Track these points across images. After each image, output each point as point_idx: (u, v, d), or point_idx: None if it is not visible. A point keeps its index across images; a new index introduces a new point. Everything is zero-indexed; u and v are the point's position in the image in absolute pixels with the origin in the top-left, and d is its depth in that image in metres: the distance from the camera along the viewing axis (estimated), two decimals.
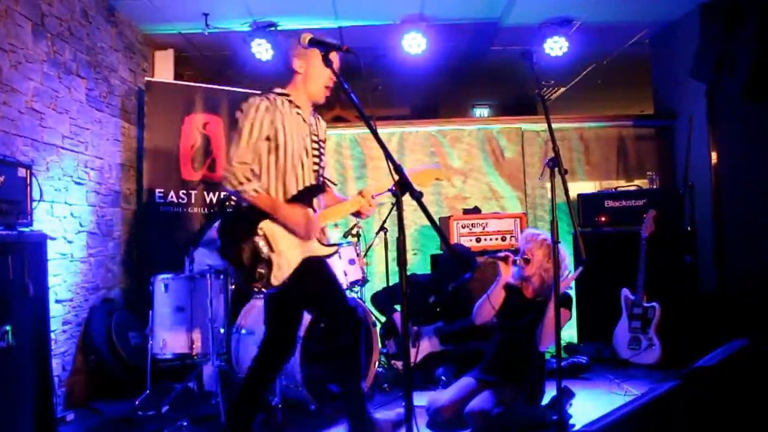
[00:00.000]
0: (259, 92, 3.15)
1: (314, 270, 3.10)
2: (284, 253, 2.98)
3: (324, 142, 3.35)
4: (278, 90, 3.20)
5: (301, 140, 3.14)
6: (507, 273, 3.74)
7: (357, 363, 3.23)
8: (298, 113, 3.17)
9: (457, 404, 3.58)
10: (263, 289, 3.09)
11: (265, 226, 2.97)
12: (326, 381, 4.18)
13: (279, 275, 2.95)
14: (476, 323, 3.89)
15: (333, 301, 3.15)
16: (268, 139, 3.04)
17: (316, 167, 3.22)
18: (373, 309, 5.01)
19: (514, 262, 3.74)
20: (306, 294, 3.13)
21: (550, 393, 3.68)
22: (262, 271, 2.92)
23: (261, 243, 2.94)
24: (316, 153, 3.24)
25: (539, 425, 3.53)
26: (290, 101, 3.17)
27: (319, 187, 3.24)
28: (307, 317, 4.08)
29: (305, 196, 3.14)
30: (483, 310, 3.81)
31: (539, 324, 3.63)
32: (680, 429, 1.97)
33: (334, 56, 3.05)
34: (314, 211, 3.15)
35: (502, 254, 3.76)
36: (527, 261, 3.73)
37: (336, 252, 3.27)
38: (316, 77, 3.18)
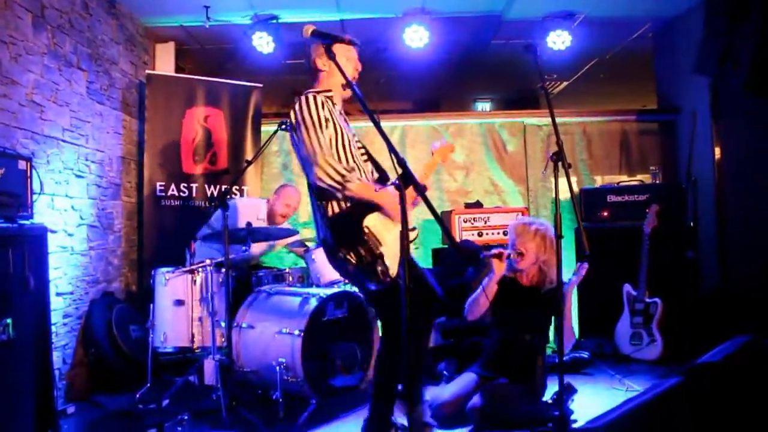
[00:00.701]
0: (310, 92, 3.15)
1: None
2: (390, 243, 3.00)
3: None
4: (316, 89, 3.21)
5: (350, 133, 3.20)
6: (500, 270, 3.68)
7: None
8: (339, 110, 3.22)
9: (459, 400, 3.57)
10: (389, 284, 3.03)
11: (368, 222, 2.97)
12: (327, 376, 4.17)
13: (394, 265, 2.98)
14: (468, 320, 3.85)
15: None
16: (334, 136, 3.07)
17: (364, 157, 3.28)
18: None
19: (508, 257, 3.69)
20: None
21: (551, 388, 3.68)
22: (382, 267, 2.93)
23: (372, 240, 2.95)
24: (360, 145, 3.30)
25: (541, 421, 3.52)
26: (330, 98, 3.18)
27: (384, 178, 3.27)
28: (305, 314, 4.08)
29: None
30: (475, 307, 3.76)
31: (544, 320, 3.61)
32: (683, 425, 1.96)
33: (352, 50, 3.20)
34: None
35: (495, 251, 3.71)
36: (521, 254, 3.68)
37: (417, 236, 3.30)
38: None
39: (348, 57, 3.20)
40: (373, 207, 3.00)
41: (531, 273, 3.73)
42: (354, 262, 2.94)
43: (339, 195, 2.97)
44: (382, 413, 3.20)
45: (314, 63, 3.24)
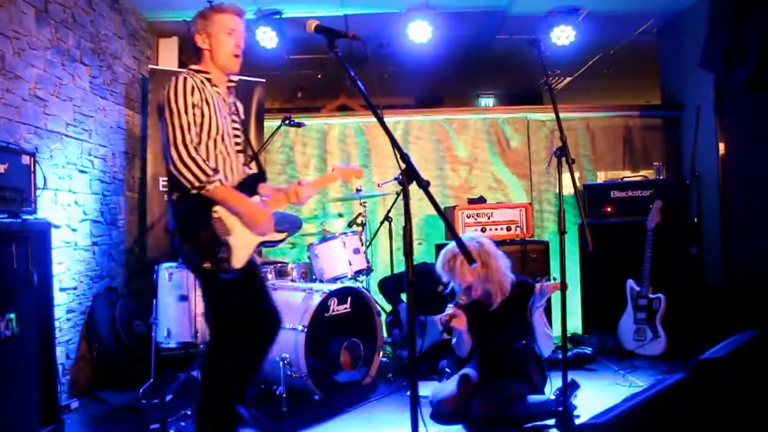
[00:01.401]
0: (183, 71, 2.96)
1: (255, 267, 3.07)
2: (240, 234, 2.84)
3: (243, 123, 3.17)
4: (194, 67, 3.01)
5: (225, 120, 2.98)
6: (463, 324, 3.64)
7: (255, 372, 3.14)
8: (217, 92, 3.00)
9: (460, 396, 3.57)
10: (224, 274, 2.82)
11: (220, 207, 2.80)
12: (331, 371, 4.18)
13: (240, 256, 2.82)
14: (462, 356, 3.84)
15: (268, 304, 3.11)
16: (200, 123, 2.86)
17: (238, 147, 3.07)
18: (379, 296, 5.00)
19: (460, 306, 3.64)
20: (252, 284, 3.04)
21: (554, 384, 3.67)
22: (224, 255, 2.75)
23: (218, 226, 2.78)
24: (237, 134, 3.08)
25: (544, 416, 3.52)
26: (209, 79, 2.97)
27: (262, 175, 3.11)
28: (308, 309, 4.08)
29: (250, 185, 3.01)
30: (461, 348, 3.77)
31: (516, 326, 3.59)
32: (688, 421, 1.95)
33: (237, 21, 3.01)
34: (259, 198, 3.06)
35: (445, 317, 3.59)
36: (468, 290, 3.62)
37: (286, 238, 3.12)
38: (221, 48, 2.99)
39: (231, 30, 3.00)
40: None
41: (480, 295, 3.68)
42: (193, 246, 2.78)
43: (193, 191, 2.76)
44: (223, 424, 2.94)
45: (193, 39, 3.01)
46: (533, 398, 3.59)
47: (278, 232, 3.06)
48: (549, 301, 3.93)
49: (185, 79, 2.84)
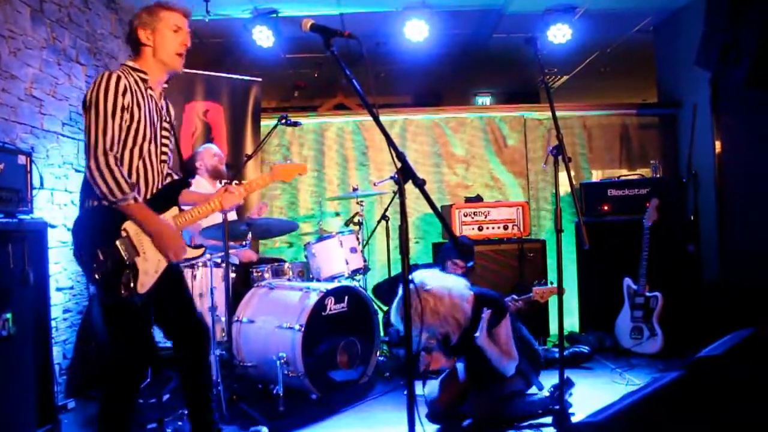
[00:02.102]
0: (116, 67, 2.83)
1: (175, 279, 2.93)
2: (151, 256, 2.69)
3: (173, 128, 3.01)
4: (131, 64, 2.86)
5: (153, 126, 2.81)
6: (439, 365, 3.65)
7: (206, 380, 3.14)
8: (151, 95, 2.84)
9: (445, 396, 3.58)
10: (126, 299, 2.65)
11: (130, 226, 2.65)
12: (328, 370, 4.18)
13: (146, 281, 2.66)
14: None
15: (184, 316, 3.02)
16: (128, 128, 2.70)
17: (164, 156, 2.91)
18: (374, 298, 5.00)
19: (430, 350, 3.64)
20: (162, 304, 2.90)
21: (550, 382, 3.68)
22: (127, 280, 2.60)
23: (125, 246, 2.62)
24: (166, 141, 2.92)
25: (539, 414, 3.53)
26: (145, 80, 2.82)
27: (185, 182, 2.99)
28: (305, 308, 4.08)
29: (171, 195, 2.87)
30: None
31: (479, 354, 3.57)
32: (685, 419, 1.95)
33: (182, 19, 2.92)
34: (179, 208, 2.88)
35: (423, 366, 3.64)
36: (432, 335, 3.60)
37: (203, 254, 2.95)
38: (166, 46, 2.86)
39: (178, 28, 2.88)
40: None
41: (442, 334, 3.67)
42: (93, 265, 2.58)
43: (104, 202, 2.60)
44: None
45: (135, 34, 2.88)
46: (528, 397, 3.60)
47: (193, 248, 2.91)
48: (546, 301, 3.93)
49: (118, 77, 2.67)
